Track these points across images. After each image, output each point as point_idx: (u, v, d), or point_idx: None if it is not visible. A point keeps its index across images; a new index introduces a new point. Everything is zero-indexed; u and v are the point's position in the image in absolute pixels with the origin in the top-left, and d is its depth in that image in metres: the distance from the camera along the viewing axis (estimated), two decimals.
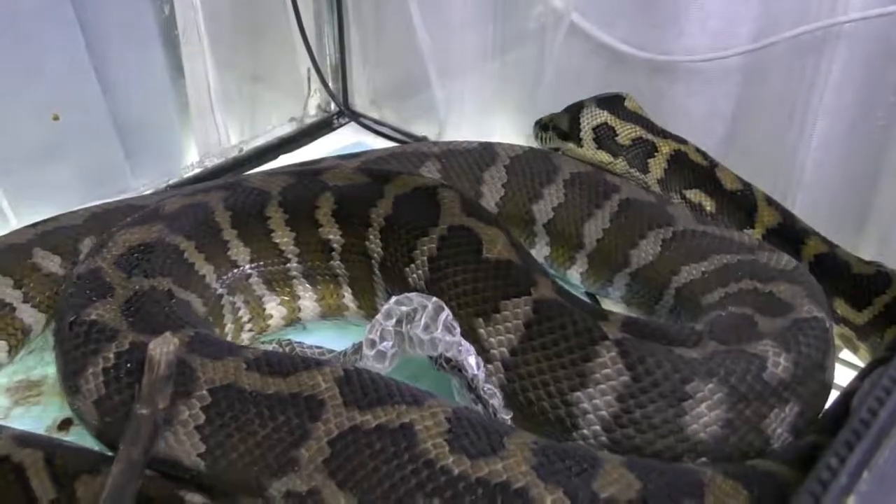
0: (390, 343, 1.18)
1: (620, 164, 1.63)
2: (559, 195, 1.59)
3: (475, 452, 0.94)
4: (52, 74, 1.73)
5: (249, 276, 1.43)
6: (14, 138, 1.73)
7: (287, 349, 1.40)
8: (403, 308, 1.17)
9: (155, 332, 1.09)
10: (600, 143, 1.62)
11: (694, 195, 1.61)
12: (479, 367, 1.16)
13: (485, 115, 2.17)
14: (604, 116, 1.62)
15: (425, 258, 1.31)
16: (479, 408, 1.16)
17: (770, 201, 1.59)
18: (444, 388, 1.22)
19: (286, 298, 1.47)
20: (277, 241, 1.44)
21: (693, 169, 1.62)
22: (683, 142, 1.64)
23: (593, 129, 1.61)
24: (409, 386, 1.05)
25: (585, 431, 1.13)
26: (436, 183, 1.46)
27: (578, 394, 1.12)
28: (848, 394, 1.13)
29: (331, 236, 1.43)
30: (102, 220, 1.54)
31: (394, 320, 1.18)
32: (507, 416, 1.17)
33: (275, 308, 1.47)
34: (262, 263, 1.43)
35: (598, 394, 1.11)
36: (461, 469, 0.93)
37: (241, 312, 1.43)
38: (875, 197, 1.65)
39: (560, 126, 1.69)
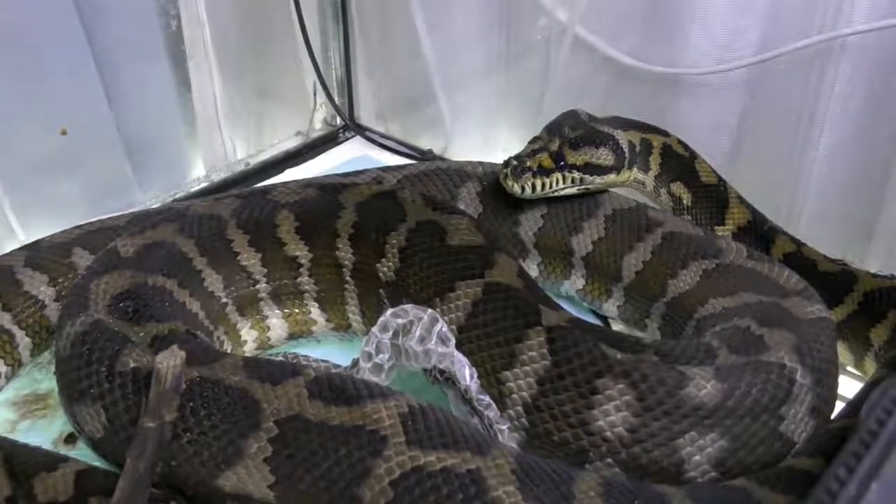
0: (387, 356, 1.18)
1: (634, 175, 1.61)
2: (599, 230, 1.55)
3: (549, 502, 0.92)
4: (59, 89, 1.74)
5: (226, 305, 1.42)
6: (22, 153, 1.74)
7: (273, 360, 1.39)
8: (399, 320, 1.17)
9: (203, 363, 1.09)
10: (630, 163, 1.59)
11: (676, 188, 1.62)
12: (471, 379, 1.16)
13: (490, 128, 2.18)
14: (622, 135, 1.58)
15: (396, 251, 1.37)
16: (475, 419, 1.16)
17: (741, 199, 1.60)
18: (446, 403, 1.21)
19: (256, 320, 1.47)
20: (245, 263, 1.43)
21: (678, 160, 1.62)
22: (666, 133, 1.65)
23: (628, 152, 1.58)
24: (472, 429, 1.04)
25: (511, 412, 1.18)
26: (393, 188, 1.52)
27: (507, 373, 1.18)
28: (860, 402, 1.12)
29: (297, 253, 1.44)
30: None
31: (390, 333, 1.18)
32: (503, 426, 1.17)
33: (247, 333, 1.47)
34: (233, 289, 1.42)
35: (523, 375, 1.17)
36: None
37: (225, 346, 1.42)
38: (882, 208, 1.64)
39: (597, 162, 1.54)
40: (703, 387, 1.09)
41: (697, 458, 1.10)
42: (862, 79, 1.57)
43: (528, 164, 1.50)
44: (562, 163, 1.51)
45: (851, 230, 1.70)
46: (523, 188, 1.50)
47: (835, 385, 1.24)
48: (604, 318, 1.61)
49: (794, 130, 1.68)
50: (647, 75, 1.78)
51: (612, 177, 1.56)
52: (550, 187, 1.52)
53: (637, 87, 1.81)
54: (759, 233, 1.56)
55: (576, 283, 1.60)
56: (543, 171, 1.51)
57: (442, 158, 2.21)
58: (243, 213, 1.46)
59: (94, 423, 1.14)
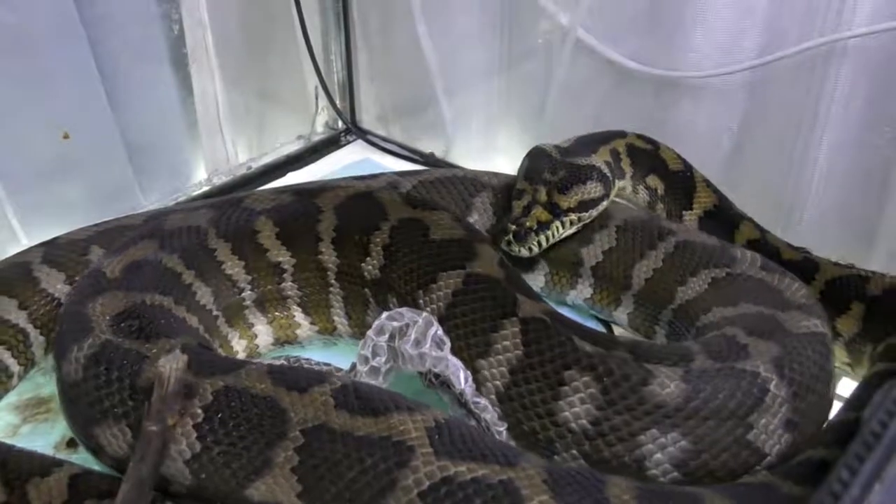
0: (383, 359, 1.18)
1: (617, 185, 1.61)
2: (610, 240, 1.55)
3: None
4: (62, 93, 1.75)
5: (217, 317, 1.41)
6: (24, 157, 1.75)
7: (296, 367, 1.38)
8: (395, 323, 1.18)
9: (226, 373, 1.08)
10: (614, 180, 1.58)
11: (651, 181, 1.64)
12: (466, 383, 1.17)
13: (491, 131, 2.18)
14: (596, 158, 1.57)
15: (380, 248, 1.39)
16: (472, 422, 1.16)
17: (708, 183, 1.61)
18: (443, 406, 1.22)
19: (243, 329, 1.46)
20: (230, 272, 1.42)
21: (645, 155, 1.64)
22: (623, 134, 1.67)
23: (610, 173, 1.56)
24: (498, 443, 1.03)
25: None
26: (369, 188, 1.53)
27: (482, 361, 1.21)
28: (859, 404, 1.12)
29: (280, 258, 1.45)
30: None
31: (386, 336, 1.18)
32: (501, 428, 1.17)
33: (237, 343, 1.46)
34: (221, 299, 1.41)
35: (496, 364, 1.19)
36: None
37: None
38: (884, 210, 1.64)
39: (589, 197, 1.52)
40: (667, 385, 1.10)
41: (658, 456, 1.11)
42: (863, 81, 1.57)
43: (527, 224, 1.48)
44: (557, 211, 1.50)
45: (853, 232, 1.70)
46: (530, 249, 1.48)
47: (821, 401, 1.21)
48: (608, 325, 1.61)
49: (796, 133, 1.68)
50: (648, 78, 1.78)
51: (605, 202, 1.55)
52: (554, 237, 1.50)
53: (638, 90, 1.82)
54: (724, 217, 1.57)
55: (582, 292, 1.59)
56: (543, 226, 1.49)
57: (445, 162, 2.22)
58: (221, 221, 1.45)
59: (119, 442, 1.12)
